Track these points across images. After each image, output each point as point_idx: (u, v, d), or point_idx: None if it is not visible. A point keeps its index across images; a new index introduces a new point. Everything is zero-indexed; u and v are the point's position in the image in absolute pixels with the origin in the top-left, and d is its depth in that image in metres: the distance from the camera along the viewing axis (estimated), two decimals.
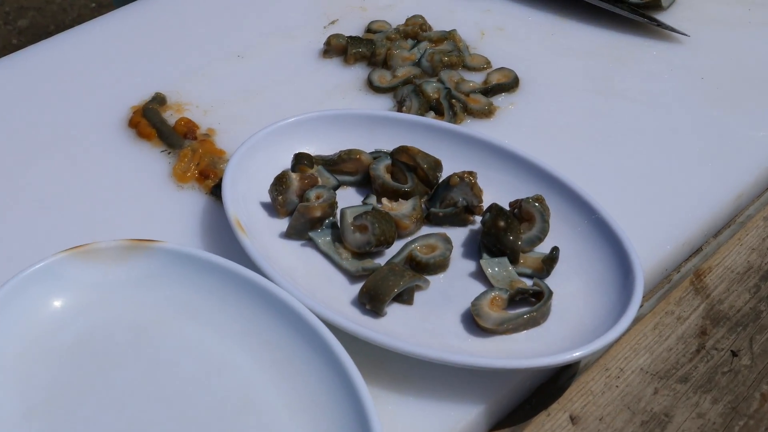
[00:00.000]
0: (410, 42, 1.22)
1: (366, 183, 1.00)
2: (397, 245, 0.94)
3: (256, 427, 0.79)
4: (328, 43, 1.21)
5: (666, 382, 0.88)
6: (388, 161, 1.00)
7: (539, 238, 0.93)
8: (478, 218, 0.97)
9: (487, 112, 1.12)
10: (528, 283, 0.91)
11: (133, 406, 0.80)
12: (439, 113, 1.10)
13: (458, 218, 0.96)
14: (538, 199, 0.94)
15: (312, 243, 0.94)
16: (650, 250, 0.96)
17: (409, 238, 0.95)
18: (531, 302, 0.89)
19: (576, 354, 0.81)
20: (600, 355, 0.90)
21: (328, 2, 1.30)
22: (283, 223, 0.95)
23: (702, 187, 1.04)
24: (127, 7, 1.29)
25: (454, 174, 0.97)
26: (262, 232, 0.93)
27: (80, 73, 1.18)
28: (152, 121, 1.09)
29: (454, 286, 0.91)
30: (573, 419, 0.85)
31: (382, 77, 1.16)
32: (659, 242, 0.98)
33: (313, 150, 1.02)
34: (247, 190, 0.96)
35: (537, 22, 1.28)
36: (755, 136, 1.11)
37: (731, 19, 1.29)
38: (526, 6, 1.31)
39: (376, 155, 1.01)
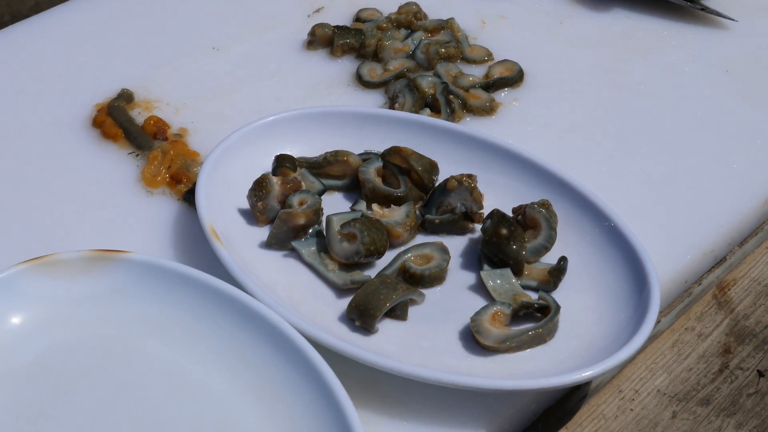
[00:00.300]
0: (403, 32, 1.23)
1: (354, 187, 1.02)
2: (389, 256, 0.95)
3: None
4: (312, 33, 1.23)
5: (685, 405, 0.90)
6: (379, 163, 1.01)
7: (545, 248, 0.95)
8: (478, 226, 0.99)
9: (488, 109, 1.14)
10: (533, 296, 0.92)
11: None
12: (436, 110, 1.12)
13: (456, 226, 0.98)
14: (544, 204, 0.96)
15: (295, 253, 0.95)
16: (668, 261, 0.98)
17: (402, 248, 0.96)
18: (536, 318, 0.90)
19: (586, 374, 0.83)
20: (613, 376, 0.92)
21: None
22: (263, 232, 0.97)
23: (726, 191, 1.06)
24: None
25: (452, 177, 0.99)
26: (240, 242, 0.95)
27: (38, 67, 1.20)
28: (118, 121, 1.11)
29: (452, 300, 0.93)
30: None
31: (373, 71, 1.18)
32: (678, 252, 1.00)
33: (296, 151, 1.03)
34: (223, 195, 0.98)
35: (543, 9, 1.30)
36: None
37: (757, 5, 1.31)
38: None
39: (366, 157, 1.02)
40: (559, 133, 1.12)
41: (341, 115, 1.06)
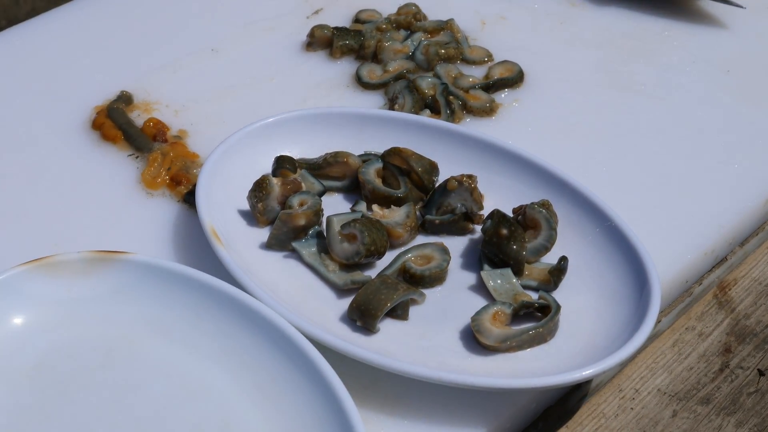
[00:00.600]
0: (403, 33, 1.25)
1: (354, 188, 1.04)
2: (389, 256, 0.97)
3: None
4: (311, 34, 1.24)
5: (686, 404, 0.91)
6: (379, 164, 1.03)
7: (546, 248, 0.97)
8: (479, 226, 1.00)
9: (488, 110, 1.15)
10: (533, 296, 0.94)
11: None
12: (435, 111, 1.14)
13: (456, 226, 1.00)
14: (545, 204, 0.98)
15: (296, 254, 0.97)
16: (669, 260, 0.99)
17: (403, 249, 0.98)
18: (537, 317, 0.92)
19: (586, 372, 0.85)
20: (613, 375, 0.93)
21: None
22: (263, 233, 0.98)
23: (727, 191, 1.08)
24: None
25: (452, 178, 1.00)
26: (241, 243, 0.96)
27: (37, 70, 1.21)
28: (118, 123, 1.12)
29: (453, 300, 0.94)
30: None
31: (372, 72, 1.20)
32: (679, 251, 1.01)
33: (296, 153, 1.05)
34: (223, 197, 0.99)
35: (543, 9, 1.32)
36: None
37: (759, 5, 1.33)
38: None
39: (366, 158, 1.04)
40: (559, 134, 1.13)
41: (341, 116, 1.07)
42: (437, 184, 1.02)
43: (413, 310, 0.92)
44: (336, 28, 1.24)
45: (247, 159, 1.03)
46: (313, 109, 1.08)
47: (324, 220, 0.97)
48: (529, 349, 0.89)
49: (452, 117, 1.13)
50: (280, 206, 0.99)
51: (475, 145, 1.05)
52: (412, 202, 1.00)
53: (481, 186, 1.01)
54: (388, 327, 0.91)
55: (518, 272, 0.95)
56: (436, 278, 0.95)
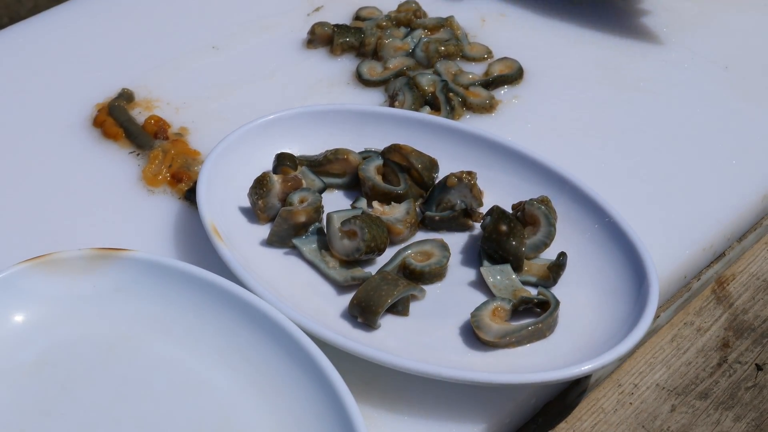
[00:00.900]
0: (403, 30, 1.25)
1: (355, 185, 1.04)
2: (389, 253, 0.97)
3: None
4: (312, 32, 1.24)
5: (684, 399, 0.91)
6: (379, 161, 1.03)
7: (545, 244, 0.97)
8: (478, 223, 1.00)
9: (487, 107, 1.15)
10: (533, 292, 0.94)
11: (101, 431, 0.83)
12: (435, 108, 1.14)
13: (456, 222, 1.00)
14: (544, 200, 0.98)
15: (296, 251, 0.97)
16: (667, 256, 1.00)
17: (403, 245, 0.98)
18: (536, 313, 0.92)
19: (585, 367, 0.85)
20: (612, 370, 0.93)
21: None
22: (264, 230, 0.99)
23: (725, 187, 1.08)
24: None
25: (452, 174, 1.00)
26: (242, 240, 0.96)
27: (38, 67, 1.21)
28: (119, 120, 1.12)
29: (452, 297, 0.94)
30: None
31: (372, 69, 1.20)
32: (677, 247, 1.01)
33: (296, 150, 1.05)
34: (224, 194, 0.99)
35: (543, 6, 1.32)
36: None
37: (758, 2, 1.33)
38: None
39: (366, 155, 1.04)
40: (558, 130, 1.13)
41: (341, 114, 1.08)
42: (437, 181, 1.02)
43: (413, 307, 0.93)
44: (336, 26, 1.24)
45: (248, 156, 1.03)
46: (313, 106, 1.08)
47: (324, 216, 0.98)
48: (528, 345, 0.90)
49: (452, 114, 1.13)
50: (281, 203, 0.99)
51: (475, 141, 1.05)
52: (412, 198, 1.01)
53: (481, 182, 1.01)
54: (388, 323, 0.91)
55: (517, 268, 0.95)
56: (435, 274, 0.95)
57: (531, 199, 0.98)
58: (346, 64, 1.22)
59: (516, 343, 0.89)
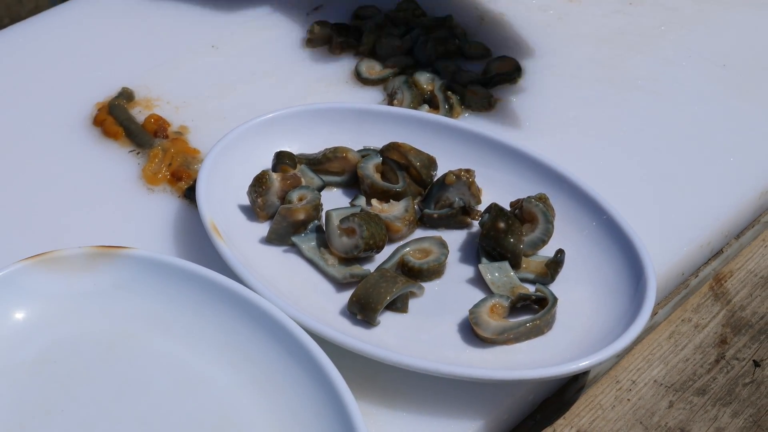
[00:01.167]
0: (402, 29, 1.25)
1: (354, 183, 1.04)
2: (388, 250, 0.97)
3: None
4: (311, 31, 1.24)
5: (682, 395, 0.91)
6: (378, 159, 1.03)
7: (543, 241, 0.97)
8: (476, 221, 1.00)
9: (486, 105, 1.15)
10: (531, 289, 0.94)
11: (101, 428, 0.83)
12: (434, 106, 1.14)
13: (454, 220, 1.00)
14: (542, 198, 0.98)
15: (295, 248, 0.97)
16: (665, 253, 1.00)
17: (401, 242, 0.98)
18: (534, 310, 0.92)
19: (583, 364, 0.85)
20: (610, 367, 0.94)
21: None
22: (263, 228, 0.99)
23: (723, 184, 1.08)
24: None
25: (450, 172, 1.00)
26: (241, 238, 0.97)
27: (39, 66, 1.21)
28: (119, 119, 1.13)
29: (451, 294, 0.94)
30: None
31: (371, 68, 1.20)
32: (675, 244, 1.01)
33: (295, 148, 1.05)
34: (223, 192, 0.99)
35: (541, 5, 1.32)
36: None
37: (754, 0, 1.33)
38: None
39: (365, 153, 1.04)
40: (556, 128, 1.13)
41: (340, 112, 1.08)
42: (435, 179, 1.02)
43: (412, 304, 0.93)
44: (335, 25, 1.24)
45: (247, 154, 1.03)
46: (312, 104, 1.08)
47: (323, 214, 0.98)
48: (526, 341, 0.90)
49: (451, 112, 1.13)
50: (280, 201, 0.99)
51: (473, 139, 1.06)
52: (410, 196, 1.01)
53: (479, 180, 1.01)
54: (386, 320, 0.91)
55: (515, 265, 0.96)
56: (434, 272, 0.95)
57: (529, 197, 0.98)
58: (345, 63, 1.22)
59: (514, 340, 0.89)
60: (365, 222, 0.95)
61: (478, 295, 0.94)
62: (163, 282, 0.91)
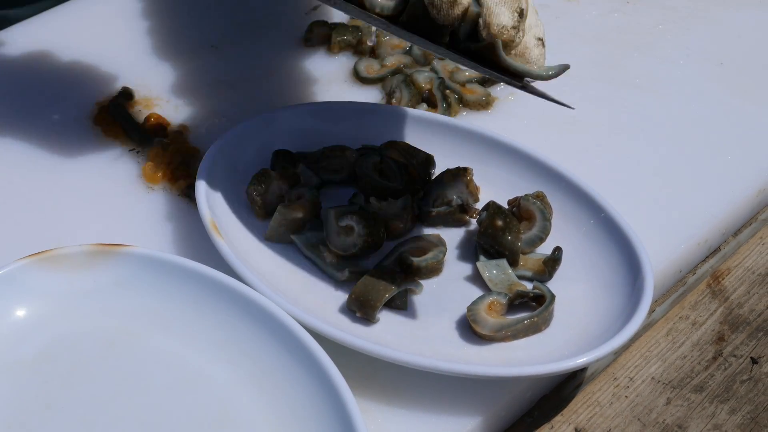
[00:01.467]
0: None
1: (352, 181, 1.04)
2: (387, 248, 0.97)
3: None
4: (309, 30, 1.25)
5: (680, 392, 0.91)
6: (376, 158, 1.03)
7: (540, 238, 0.97)
8: (474, 219, 1.00)
9: (484, 104, 1.16)
10: (528, 286, 0.94)
11: (101, 424, 0.83)
12: (432, 105, 1.14)
13: (453, 218, 1.00)
14: (539, 196, 0.98)
15: (294, 246, 0.97)
16: (663, 251, 1.00)
17: (400, 240, 0.98)
18: (532, 307, 0.92)
19: (580, 360, 0.85)
20: (607, 364, 0.94)
21: None
22: (262, 226, 0.99)
23: (720, 182, 1.08)
24: None
25: (448, 170, 1.01)
26: (240, 235, 0.97)
27: (39, 66, 1.21)
28: (119, 118, 1.13)
29: (449, 291, 0.94)
30: None
31: (370, 67, 1.20)
32: (673, 242, 1.01)
33: (294, 146, 1.05)
34: (222, 190, 0.99)
35: (538, 4, 1.31)
36: None
37: None
38: None
39: (363, 151, 1.04)
40: (554, 127, 1.13)
41: (339, 111, 1.08)
42: (434, 177, 1.02)
43: (410, 301, 0.93)
44: (334, 24, 1.24)
45: (247, 153, 1.03)
46: (311, 103, 1.09)
47: (322, 212, 0.98)
48: (524, 338, 0.90)
49: (449, 111, 1.13)
50: (279, 199, 0.99)
51: (471, 138, 1.06)
52: (409, 194, 1.01)
53: (477, 178, 1.01)
54: (385, 318, 0.91)
55: (513, 263, 0.96)
56: (432, 269, 0.95)
57: (526, 195, 0.98)
58: (343, 62, 1.22)
59: (512, 337, 0.90)
60: (364, 220, 0.95)
61: (476, 292, 0.94)
62: (163, 280, 0.91)
